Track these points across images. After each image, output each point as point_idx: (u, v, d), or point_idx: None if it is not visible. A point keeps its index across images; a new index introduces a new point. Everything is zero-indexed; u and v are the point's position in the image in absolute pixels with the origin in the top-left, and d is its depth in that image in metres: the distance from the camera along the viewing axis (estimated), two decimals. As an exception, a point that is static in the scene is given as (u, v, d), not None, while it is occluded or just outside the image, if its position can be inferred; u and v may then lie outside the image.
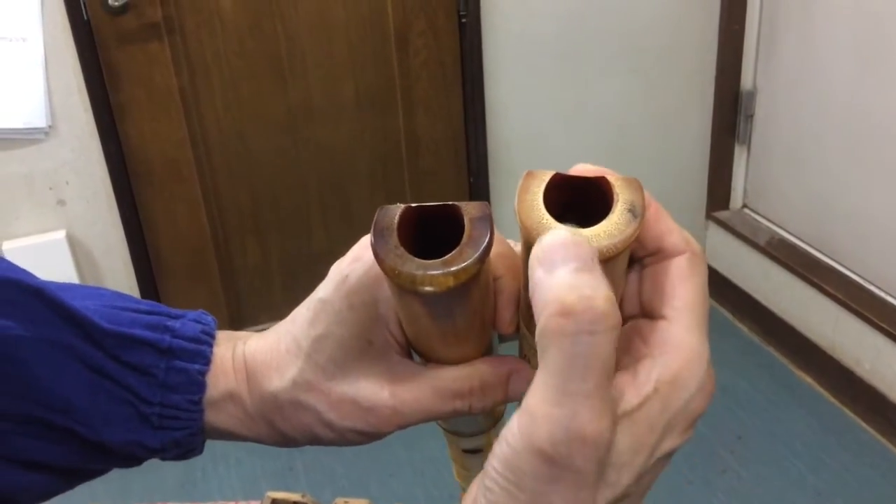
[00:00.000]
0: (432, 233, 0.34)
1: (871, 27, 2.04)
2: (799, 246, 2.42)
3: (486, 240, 0.33)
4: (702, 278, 0.35)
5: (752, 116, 2.52)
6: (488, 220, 0.33)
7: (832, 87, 2.19)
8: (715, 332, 2.56)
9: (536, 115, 2.39)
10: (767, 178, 2.53)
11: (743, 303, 2.61)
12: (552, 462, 0.29)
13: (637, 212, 0.31)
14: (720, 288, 2.68)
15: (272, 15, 2.10)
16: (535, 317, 0.29)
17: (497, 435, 0.49)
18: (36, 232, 2.08)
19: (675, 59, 2.47)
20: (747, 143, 2.56)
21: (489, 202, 2.53)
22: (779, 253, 2.43)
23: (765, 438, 2.18)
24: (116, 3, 1.93)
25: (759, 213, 2.59)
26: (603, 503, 0.31)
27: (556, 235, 0.30)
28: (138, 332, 0.43)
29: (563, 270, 0.29)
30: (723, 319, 2.65)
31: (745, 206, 2.65)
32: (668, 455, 0.33)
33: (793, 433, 2.19)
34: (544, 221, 0.31)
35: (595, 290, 0.28)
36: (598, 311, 0.28)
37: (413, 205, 0.34)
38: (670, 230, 0.35)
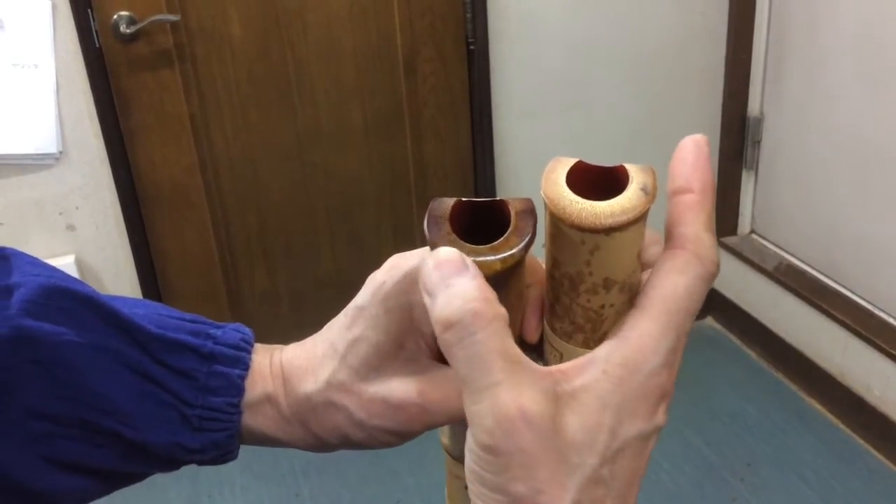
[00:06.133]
0: (479, 229, 0.37)
1: (877, 54, 2.05)
2: (807, 271, 2.41)
3: (531, 230, 0.35)
4: (692, 281, 0.34)
5: (759, 142, 2.52)
6: (532, 214, 0.36)
7: (838, 113, 2.20)
8: (723, 357, 2.51)
9: (544, 141, 2.40)
10: (775, 203, 2.53)
11: (751, 328, 2.60)
12: (497, 451, 0.31)
13: (648, 191, 0.33)
14: (728, 313, 2.67)
15: (281, 42, 2.12)
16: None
17: None
18: (45, 257, 2.09)
19: (682, 86, 2.48)
20: (755, 168, 2.57)
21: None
22: (787, 278, 2.43)
23: (774, 465, 2.16)
24: (128, 31, 1.95)
25: (767, 239, 2.59)
26: (575, 486, 0.31)
27: (425, 265, 0.32)
28: (183, 337, 0.45)
29: (439, 294, 0.31)
30: (731, 345, 2.64)
31: (752, 231, 2.65)
32: (640, 439, 0.33)
33: (803, 460, 2.17)
34: (565, 194, 0.33)
35: (464, 297, 0.30)
36: (470, 313, 0.30)
37: (464, 199, 0.37)
38: (690, 223, 0.34)
